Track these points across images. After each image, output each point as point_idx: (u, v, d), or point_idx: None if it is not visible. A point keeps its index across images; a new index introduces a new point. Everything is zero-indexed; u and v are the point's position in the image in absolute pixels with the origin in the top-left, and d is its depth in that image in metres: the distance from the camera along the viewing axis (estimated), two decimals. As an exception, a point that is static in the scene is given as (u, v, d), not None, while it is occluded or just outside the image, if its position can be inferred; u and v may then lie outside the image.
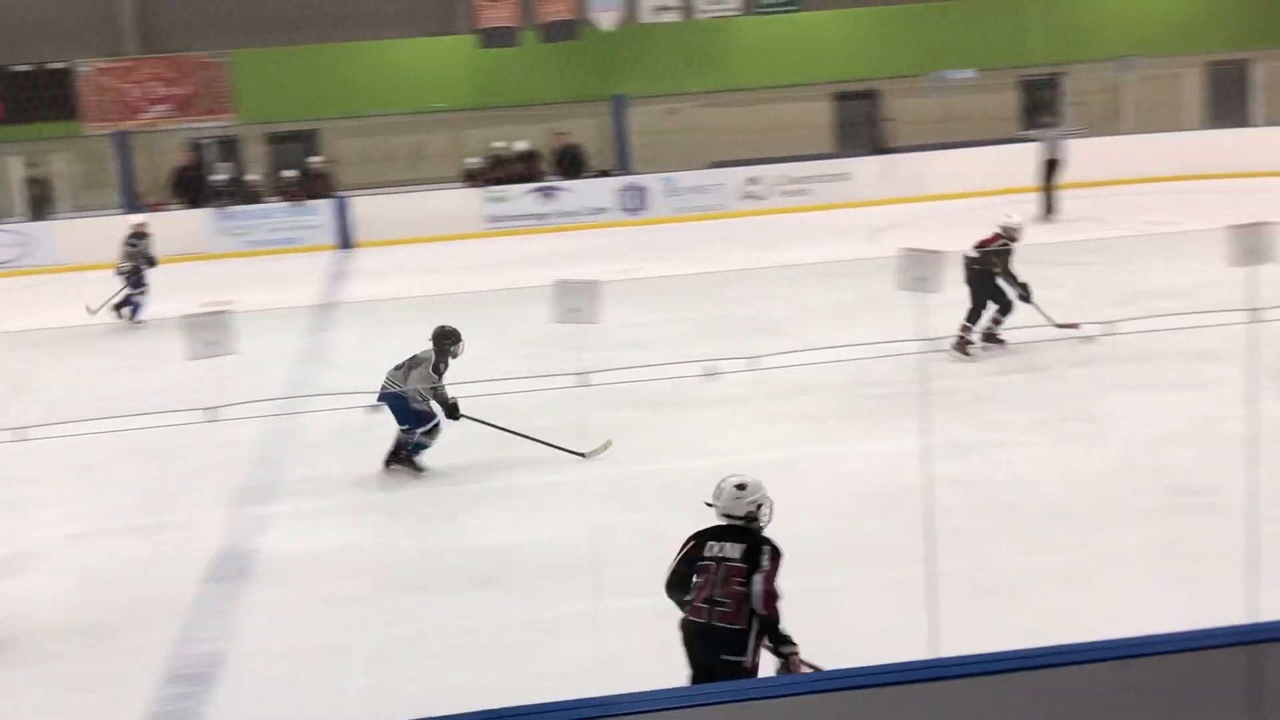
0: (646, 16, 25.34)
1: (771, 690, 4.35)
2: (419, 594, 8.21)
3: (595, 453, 10.28)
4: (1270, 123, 25.92)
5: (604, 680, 6.52)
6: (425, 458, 10.32)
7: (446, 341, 10.24)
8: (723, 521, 5.87)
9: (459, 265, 20.62)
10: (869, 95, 26.97)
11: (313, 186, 24.23)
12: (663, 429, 11.06)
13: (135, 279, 17.13)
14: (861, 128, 27.03)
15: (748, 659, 5.54)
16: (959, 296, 13.36)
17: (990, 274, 12.39)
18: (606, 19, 24.88)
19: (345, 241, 23.52)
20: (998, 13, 26.84)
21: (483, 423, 10.31)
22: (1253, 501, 5.95)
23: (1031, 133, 22.53)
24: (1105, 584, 7.62)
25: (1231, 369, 10.76)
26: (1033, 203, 21.51)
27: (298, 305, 17.92)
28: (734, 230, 22.46)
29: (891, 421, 10.47)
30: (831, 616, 7.46)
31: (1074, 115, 26.79)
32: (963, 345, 12.41)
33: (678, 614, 7.59)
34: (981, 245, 12.53)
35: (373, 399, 10.23)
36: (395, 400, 10.17)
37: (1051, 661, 4.54)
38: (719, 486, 5.95)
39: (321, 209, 23.77)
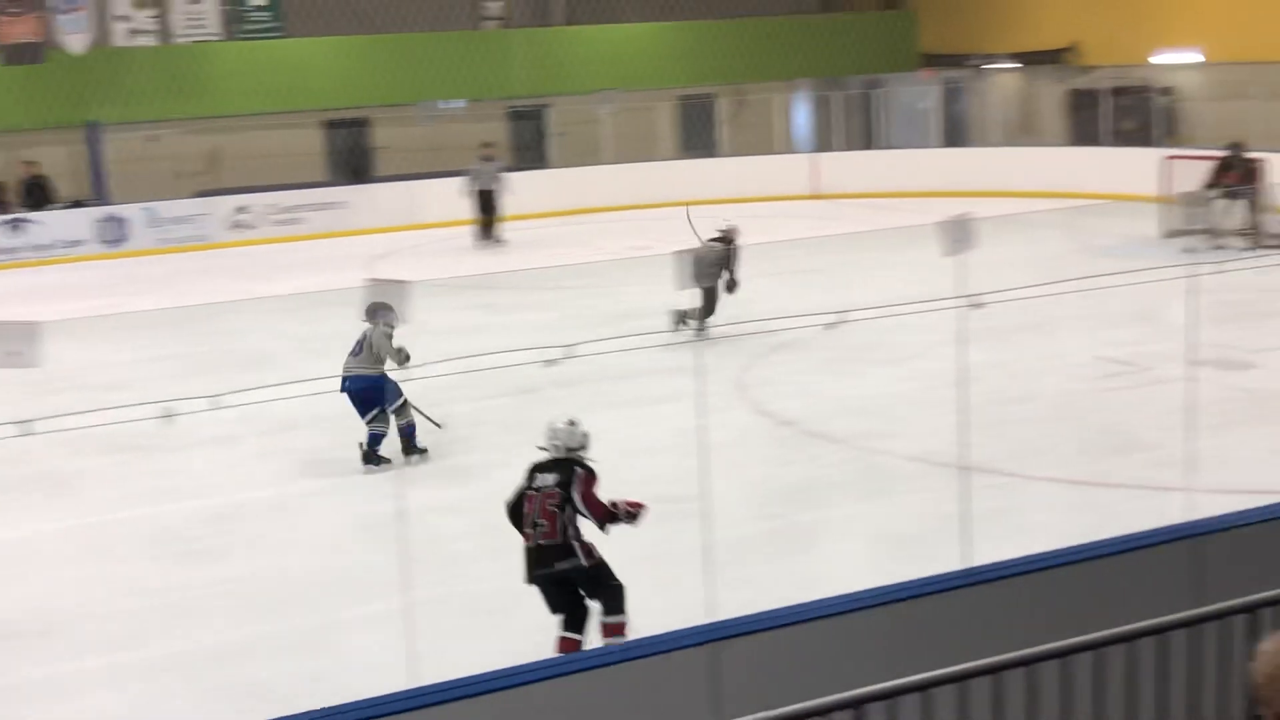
0: (120, 40, 24.05)
1: None
2: None
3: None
4: (733, 153, 28.00)
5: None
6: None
7: (381, 311, 9.71)
8: (554, 455, 6.83)
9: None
10: (359, 123, 26.90)
11: None
12: (140, 475, 10.49)
13: None
14: (353, 156, 26.92)
15: (582, 560, 6.65)
16: (447, 322, 13.57)
17: (717, 273, 13.70)
18: (76, 42, 23.41)
19: None
20: (484, 45, 27.51)
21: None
22: (709, 507, 6.37)
23: (476, 165, 22.64)
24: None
25: (704, 382, 11.52)
26: (472, 234, 22.18)
27: None
28: (222, 261, 21.73)
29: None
30: (330, 655, 7.33)
31: (557, 146, 27.90)
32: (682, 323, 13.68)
33: (162, 668, 7.26)
34: (715, 242, 13.95)
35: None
36: (367, 383, 10.05)
37: (537, 677, 4.66)
38: (550, 428, 6.85)
39: None
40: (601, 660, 4.80)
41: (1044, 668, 3.82)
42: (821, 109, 29.93)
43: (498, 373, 12.40)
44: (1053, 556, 5.38)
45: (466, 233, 22.53)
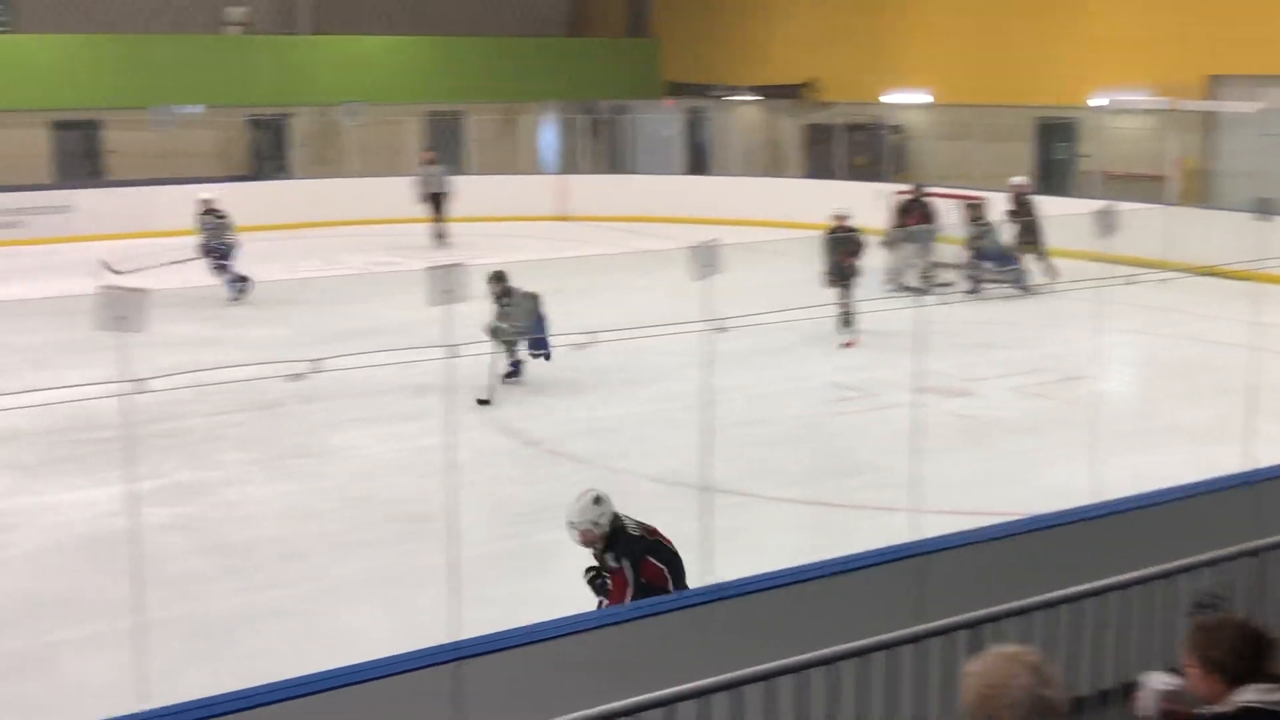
0: None
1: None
2: None
3: None
4: (480, 171, 27.94)
5: None
6: None
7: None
8: None
9: None
10: (91, 125, 25.72)
11: None
12: None
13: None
14: (83, 158, 25.73)
15: None
16: (181, 334, 13.16)
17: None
18: None
19: None
20: (225, 50, 26.73)
21: None
22: (453, 524, 6.33)
23: (420, 170, 23.34)
24: (326, 616, 7.75)
25: (445, 400, 11.43)
26: (423, 234, 22.58)
27: None
28: (-64, 265, 20.42)
29: (109, 468, 9.97)
30: (47, 677, 6.97)
31: (299, 156, 27.30)
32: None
33: None
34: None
35: None
36: None
37: (268, 699, 4.53)
38: None
39: None
40: (343, 680, 4.70)
41: (781, 682, 3.94)
42: (569, 131, 30.19)
43: (234, 387, 12.05)
44: (790, 573, 5.55)
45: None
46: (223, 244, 17.33)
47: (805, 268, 15.65)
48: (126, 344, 4.45)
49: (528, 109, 29.57)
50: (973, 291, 17.41)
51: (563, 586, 8.28)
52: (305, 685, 4.70)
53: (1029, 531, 5.70)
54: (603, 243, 23.27)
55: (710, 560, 6.72)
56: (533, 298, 13.05)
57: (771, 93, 28.72)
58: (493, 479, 10.13)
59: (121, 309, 4.45)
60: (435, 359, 6.14)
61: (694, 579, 6.16)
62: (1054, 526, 5.74)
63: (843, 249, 15.25)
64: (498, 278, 12.93)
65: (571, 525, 6.35)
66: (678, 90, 30.61)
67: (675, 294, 11.39)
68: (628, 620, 4.95)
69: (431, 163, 23.72)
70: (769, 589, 5.37)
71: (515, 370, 13.10)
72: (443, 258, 20.82)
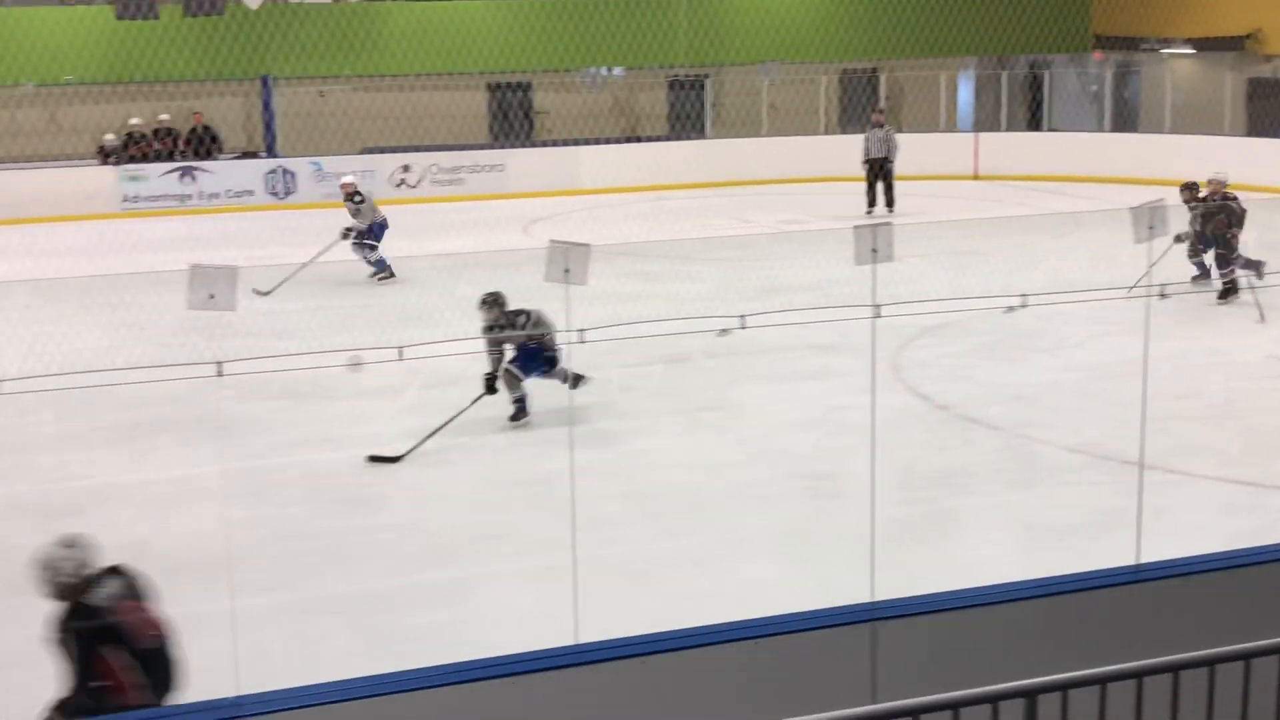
0: (295, -5, 24.65)
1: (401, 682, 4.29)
2: (31, 597, 7.67)
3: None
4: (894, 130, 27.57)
5: (240, 680, 6.27)
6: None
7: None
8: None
9: (92, 247, 19.44)
10: (522, 87, 27.14)
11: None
12: (306, 421, 10.79)
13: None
14: (515, 119, 27.19)
15: None
16: (602, 289, 13.63)
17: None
18: (253, -5, 23.99)
19: (-38, 218, 21.81)
20: (646, 12, 27.49)
21: None
22: (871, 486, 6.31)
23: (868, 132, 22.46)
24: (736, 566, 7.93)
25: (853, 360, 11.40)
26: (861, 196, 21.98)
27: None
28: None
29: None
30: (474, 605, 7.47)
31: (716, 117, 27.80)
32: None
33: (320, 610, 7.47)
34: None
35: None
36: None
37: (687, 643, 4.69)
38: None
39: (-65, 183, 21.97)
40: (761, 631, 4.80)
41: (1227, 669, 3.73)
42: (986, 88, 29.33)
43: (650, 340, 12.46)
44: (1226, 557, 5.25)
45: (622, 199, 22.66)
46: (361, 226, 16.99)
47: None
48: (571, 296, 4.68)
49: (944, 65, 28.90)
50: None
51: (973, 554, 8.15)
52: (724, 633, 4.83)
53: None
54: (1015, 202, 22.55)
55: (1140, 540, 6.42)
56: (538, 322, 10.55)
57: (1210, 45, 26.85)
58: (902, 442, 10.04)
59: (570, 262, 4.68)
60: (859, 319, 6.17)
61: (1123, 556, 5.88)
62: None
63: (1218, 218, 13.94)
64: (492, 301, 10.64)
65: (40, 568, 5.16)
66: (1106, 44, 29.12)
67: (1098, 256, 10.90)
68: (1053, 594, 4.82)
69: (880, 125, 22.28)
70: (1203, 571, 5.10)
71: (521, 408, 10.56)
72: (866, 219, 20.76)
